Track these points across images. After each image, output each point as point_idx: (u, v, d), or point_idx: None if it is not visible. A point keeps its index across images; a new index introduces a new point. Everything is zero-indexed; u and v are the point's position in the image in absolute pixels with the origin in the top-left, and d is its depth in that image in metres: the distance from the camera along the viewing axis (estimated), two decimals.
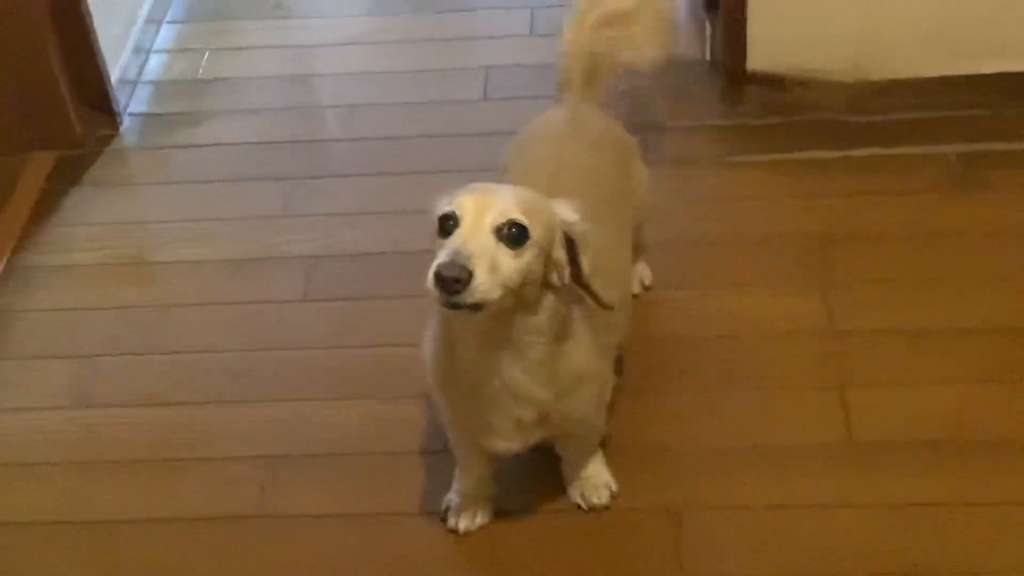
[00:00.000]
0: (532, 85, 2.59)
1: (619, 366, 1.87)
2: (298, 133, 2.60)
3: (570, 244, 1.52)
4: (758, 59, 2.43)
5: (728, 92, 2.48)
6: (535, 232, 1.46)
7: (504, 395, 1.59)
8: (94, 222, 2.41)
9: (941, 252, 2.16)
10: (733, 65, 2.45)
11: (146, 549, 1.84)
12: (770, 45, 2.42)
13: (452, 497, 1.83)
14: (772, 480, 1.83)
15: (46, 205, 2.45)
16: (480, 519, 1.82)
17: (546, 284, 1.53)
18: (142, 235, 2.38)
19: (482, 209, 1.46)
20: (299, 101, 2.70)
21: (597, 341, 1.66)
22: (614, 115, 1.99)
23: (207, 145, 2.58)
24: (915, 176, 2.31)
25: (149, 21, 2.85)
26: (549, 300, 1.54)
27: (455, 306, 1.41)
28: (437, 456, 1.89)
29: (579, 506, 1.83)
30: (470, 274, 1.40)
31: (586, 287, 1.56)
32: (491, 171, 2.01)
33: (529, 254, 1.46)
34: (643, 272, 2.13)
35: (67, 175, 2.52)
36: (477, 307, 1.42)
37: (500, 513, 1.83)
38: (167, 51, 2.84)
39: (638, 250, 2.05)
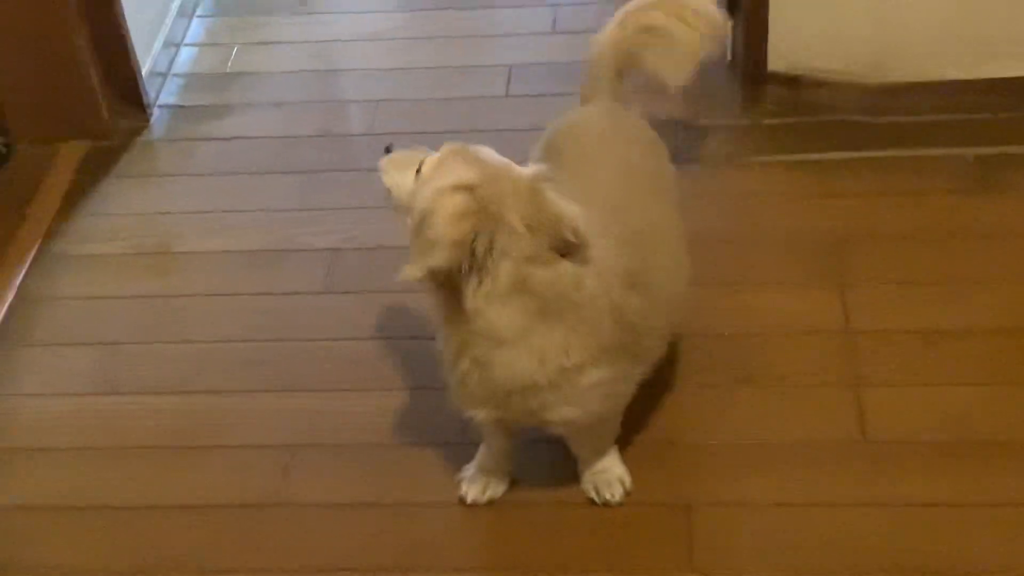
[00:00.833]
0: (554, 82, 2.59)
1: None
2: (322, 127, 2.60)
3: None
4: (778, 60, 2.43)
5: (748, 92, 2.47)
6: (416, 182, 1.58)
7: (464, 379, 1.63)
8: (121, 212, 2.42)
9: (958, 254, 2.15)
10: (753, 66, 2.44)
11: (167, 534, 1.84)
12: (790, 46, 2.41)
13: (470, 468, 1.84)
14: (784, 477, 1.82)
15: (75, 195, 2.46)
16: (490, 492, 1.82)
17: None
18: (167, 226, 2.39)
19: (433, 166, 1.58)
20: (323, 95, 2.70)
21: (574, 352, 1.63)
22: (637, 114, 1.99)
23: (233, 138, 2.59)
24: (933, 178, 2.29)
25: (180, 15, 2.85)
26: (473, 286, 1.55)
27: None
28: (451, 447, 1.89)
29: (592, 500, 1.82)
30: (388, 150, 1.69)
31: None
32: None
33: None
34: None
35: (97, 166, 2.52)
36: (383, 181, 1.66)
37: (513, 502, 1.83)
38: (197, 45, 2.85)
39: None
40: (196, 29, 2.88)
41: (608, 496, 1.81)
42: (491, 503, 1.83)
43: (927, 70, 2.40)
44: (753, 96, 2.47)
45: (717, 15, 2.01)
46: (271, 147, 2.54)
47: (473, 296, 1.52)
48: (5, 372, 2.11)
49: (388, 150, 1.69)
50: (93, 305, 2.23)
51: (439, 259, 1.50)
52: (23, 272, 2.29)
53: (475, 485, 1.83)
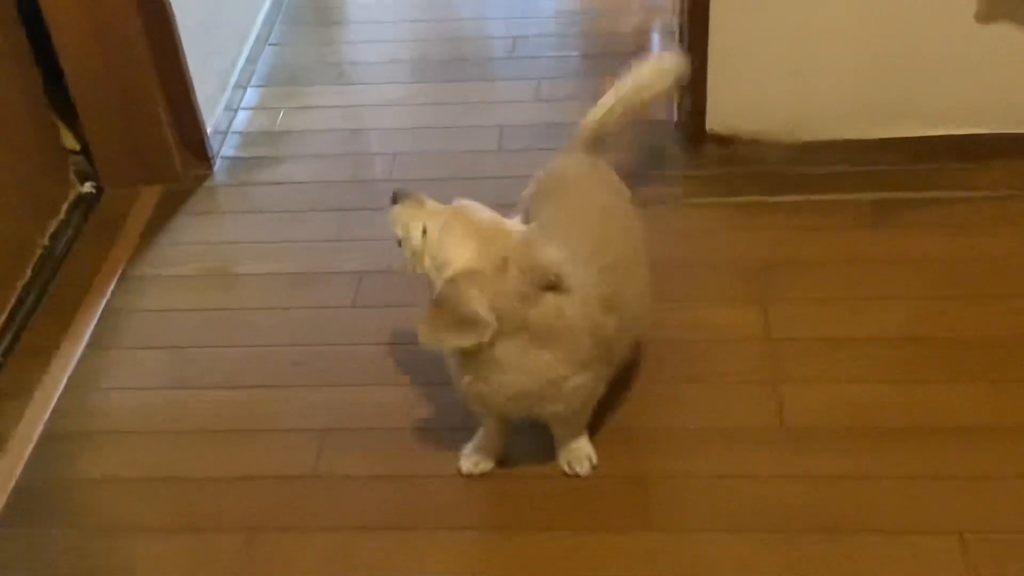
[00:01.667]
0: (537, 140, 2.59)
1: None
2: (352, 175, 2.60)
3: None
4: (715, 122, 2.43)
5: (691, 148, 2.47)
6: (431, 246, 1.56)
7: (469, 386, 1.64)
8: (189, 242, 2.42)
9: (857, 277, 2.15)
10: (695, 127, 2.44)
11: (222, 500, 1.84)
12: (725, 112, 2.41)
13: (468, 447, 1.83)
14: (721, 455, 1.83)
15: (152, 229, 2.46)
16: (481, 466, 1.82)
17: None
18: (227, 253, 2.39)
19: (450, 211, 1.57)
20: (353, 149, 2.70)
21: (586, 367, 1.64)
22: (607, 164, 2.00)
23: (280, 183, 2.58)
24: (838, 217, 2.30)
25: (237, 85, 2.86)
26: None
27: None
28: (455, 431, 1.88)
29: (565, 472, 1.82)
30: (395, 201, 1.62)
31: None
32: (504, 206, 1.99)
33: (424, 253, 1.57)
34: None
35: (170, 205, 2.52)
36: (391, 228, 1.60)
37: (502, 475, 1.83)
38: (251, 109, 2.85)
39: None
40: (250, 96, 2.89)
41: (579, 469, 1.81)
42: (484, 475, 1.83)
43: (834, 131, 2.41)
44: (695, 151, 2.47)
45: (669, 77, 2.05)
46: (311, 190, 2.54)
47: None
48: (97, 370, 2.11)
49: (395, 200, 1.63)
50: (166, 317, 2.23)
51: (465, 341, 1.53)
52: (110, 290, 2.29)
53: (472, 460, 1.83)
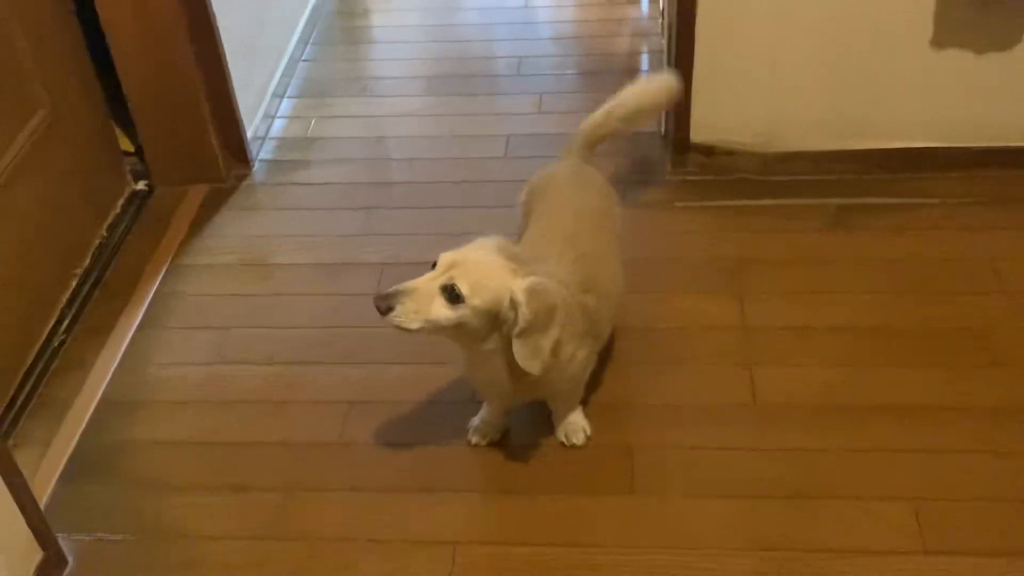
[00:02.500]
0: (540, 148, 2.59)
1: (605, 348, 1.87)
2: (374, 177, 2.59)
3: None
4: (697, 134, 2.42)
5: (676, 157, 2.47)
6: (471, 301, 1.46)
7: (491, 383, 1.63)
8: (231, 235, 2.41)
9: (822, 273, 2.15)
10: (680, 138, 2.44)
11: (260, 462, 1.84)
12: (707, 124, 2.41)
13: (475, 420, 1.83)
14: (699, 429, 1.83)
15: (198, 223, 2.45)
16: (489, 439, 1.82)
17: (495, 328, 1.51)
18: (265, 245, 2.38)
19: (446, 268, 1.47)
20: (376, 155, 2.70)
21: (579, 352, 1.64)
22: (596, 169, 1.99)
23: (312, 184, 2.58)
24: (806, 219, 2.30)
25: (274, 96, 2.85)
26: (494, 336, 1.53)
27: (388, 322, 1.45)
28: (464, 404, 1.89)
29: (563, 443, 1.82)
30: (389, 309, 1.42)
31: (514, 339, 1.50)
32: (509, 207, 2.02)
33: (462, 311, 1.46)
34: None
35: (214, 202, 2.52)
36: (400, 328, 1.44)
37: (507, 445, 1.83)
38: (286, 117, 2.84)
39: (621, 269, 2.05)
40: (285, 106, 2.88)
41: (575, 440, 1.81)
42: (490, 445, 1.83)
43: (802, 143, 2.40)
44: (679, 160, 2.46)
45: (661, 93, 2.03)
46: (339, 191, 2.54)
47: (507, 336, 1.52)
48: (149, 347, 2.11)
49: (388, 309, 1.45)
50: (210, 301, 2.23)
51: (553, 335, 1.51)
52: (161, 276, 2.29)
53: (478, 432, 1.83)
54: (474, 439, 1.82)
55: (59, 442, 1.90)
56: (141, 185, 2.56)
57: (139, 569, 1.69)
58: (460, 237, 1.59)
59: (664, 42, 2.70)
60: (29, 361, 2.06)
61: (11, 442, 1.90)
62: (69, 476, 1.84)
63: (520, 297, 1.48)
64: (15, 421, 1.95)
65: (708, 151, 2.44)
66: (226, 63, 2.45)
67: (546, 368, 1.55)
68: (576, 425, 1.81)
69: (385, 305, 1.45)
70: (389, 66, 3.07)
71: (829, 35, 2.25)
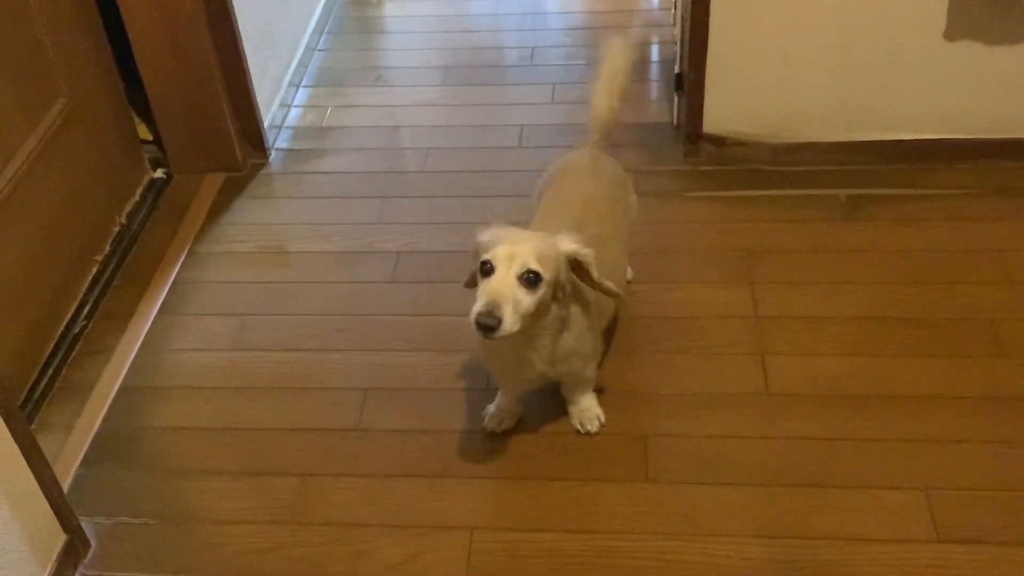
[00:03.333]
0: (553, 137, 2.57)
1: (609, 336, 1.86)
2: (390, 166, 2.57)
3: (576, 264, 1.50)
4: (710, 125, 2.40)
5: (689, 148, 2.45)
6: (546, 275, 1.45)
7: (520, 364, 1.60)
8: (248, 223, 2.40)
9: (833, 263, 2.13)
10: (692, 129, 2.42)
11: (277, 448, 1.83)
12: (719, 116, 2.39)
13: (491, 408, 1.82)
14: (711, 417, 1.81)
15: (216, 211, 2.44)
16: (504, 425, 1.81)
17: (554, 299, 1.50)
18: (281, 232, 2.37)
19: (510, 260, 1.43)
20: (390, 144, 2.68)
21: (589, 324, 1.64)
22: (611, 158, 1.96)
23: (327, 172, 2.56)
24: (816, 210, 2.27)
25: (290, 85, 2.83)
26: (554, 309, 1.53)
27: (490, 338, 1.40)
28: (480, 392, 1.88)
29: (577, 430, 1.81)
30: (499, 321, 1.38)
31: (599, 287, 1.54)
32: (523, 197, 2.00)
33: (542, 291, 1.45)
34: (628, 270, 2.10)
35: (231, 191, 2.50)
36: (505, 337, 1.42)
37: (521, 432, 1.82)
38: (302, 106, 2.83)
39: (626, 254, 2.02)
40: (302, 95, 2.86)
41: (589, 428, 1.80)
42: (505, 432, 1.82)
43: (813, 134, 2.38)
44: (692, 150, 2.44)
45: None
46: (354, 179, 2.52)
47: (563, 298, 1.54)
48: (168, 333, 2.10)
49: (500, 321, 1.39)
50: (228, 288, 2.21)
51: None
52: (179, 263, 2.28)
53: (494, 419, 1.81)
54: (489, 426, 1.81)
55: (81, 427, 1.90)
56: (159, 173, 2.55)
57: (160, 552, 1.68)
58: (472, 226, 1.57)
59: (677, 33, 2.67)
60: (51, 347, 2.05)
61: (34, 426, 1.89)
62: (91, 460, 1.84)
63: (581, 249, 1.50)
64: (38, 406, 1.94)
65: (720, 142, 2.42)
66: (243, 52, 2.43)
67: (564, 344, 1.58)
68: (590, 413, 1.80)
69: (494, 321, 1.38)
70: (403, 56, 3.04)
71: (841, 27, 2.22)
